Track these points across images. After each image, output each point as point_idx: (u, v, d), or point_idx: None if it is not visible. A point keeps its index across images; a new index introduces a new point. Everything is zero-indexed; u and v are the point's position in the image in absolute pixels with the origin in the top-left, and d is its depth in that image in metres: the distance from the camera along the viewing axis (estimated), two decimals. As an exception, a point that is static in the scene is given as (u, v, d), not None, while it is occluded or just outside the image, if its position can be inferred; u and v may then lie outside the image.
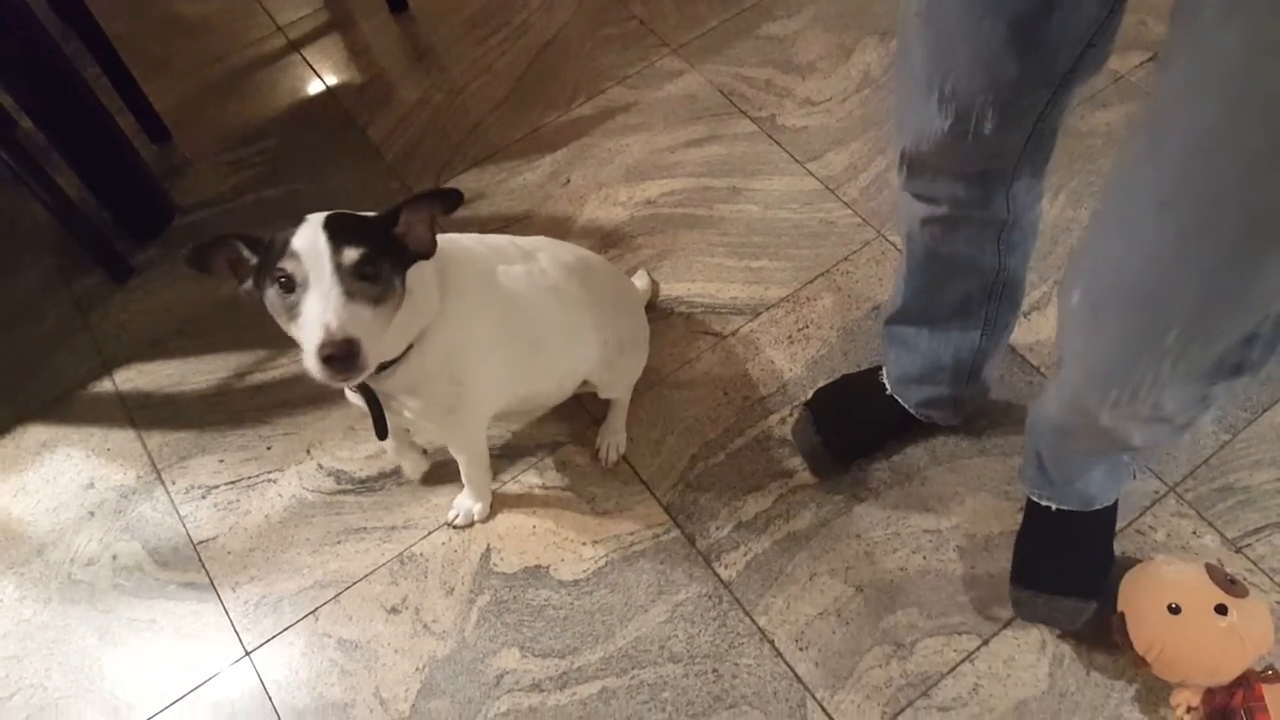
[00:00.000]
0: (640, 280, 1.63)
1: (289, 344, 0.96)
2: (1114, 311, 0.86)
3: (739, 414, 1.51)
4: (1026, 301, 1.35)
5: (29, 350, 1.73)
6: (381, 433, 1.15)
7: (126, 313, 1.75)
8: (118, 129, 1.79)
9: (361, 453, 1.54)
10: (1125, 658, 1.23)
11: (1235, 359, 0.87)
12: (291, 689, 1.34)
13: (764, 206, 1.74)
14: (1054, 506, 1.25)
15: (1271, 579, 1.30)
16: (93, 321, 1.74)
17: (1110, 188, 0.84)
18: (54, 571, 1.48)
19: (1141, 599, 1.20)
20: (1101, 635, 1.24)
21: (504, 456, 1.51)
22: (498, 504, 1.47)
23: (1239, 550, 1.33)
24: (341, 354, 0.89)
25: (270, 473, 1.54)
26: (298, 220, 0.95)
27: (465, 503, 1.44)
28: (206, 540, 1.48)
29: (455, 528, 1.45)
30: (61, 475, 1.58)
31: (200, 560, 1.47)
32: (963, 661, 1.28)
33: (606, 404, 1.49)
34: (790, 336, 1.59)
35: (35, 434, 1.63)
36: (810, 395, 1.46)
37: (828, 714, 1.26)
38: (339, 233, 0.92)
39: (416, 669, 1.34)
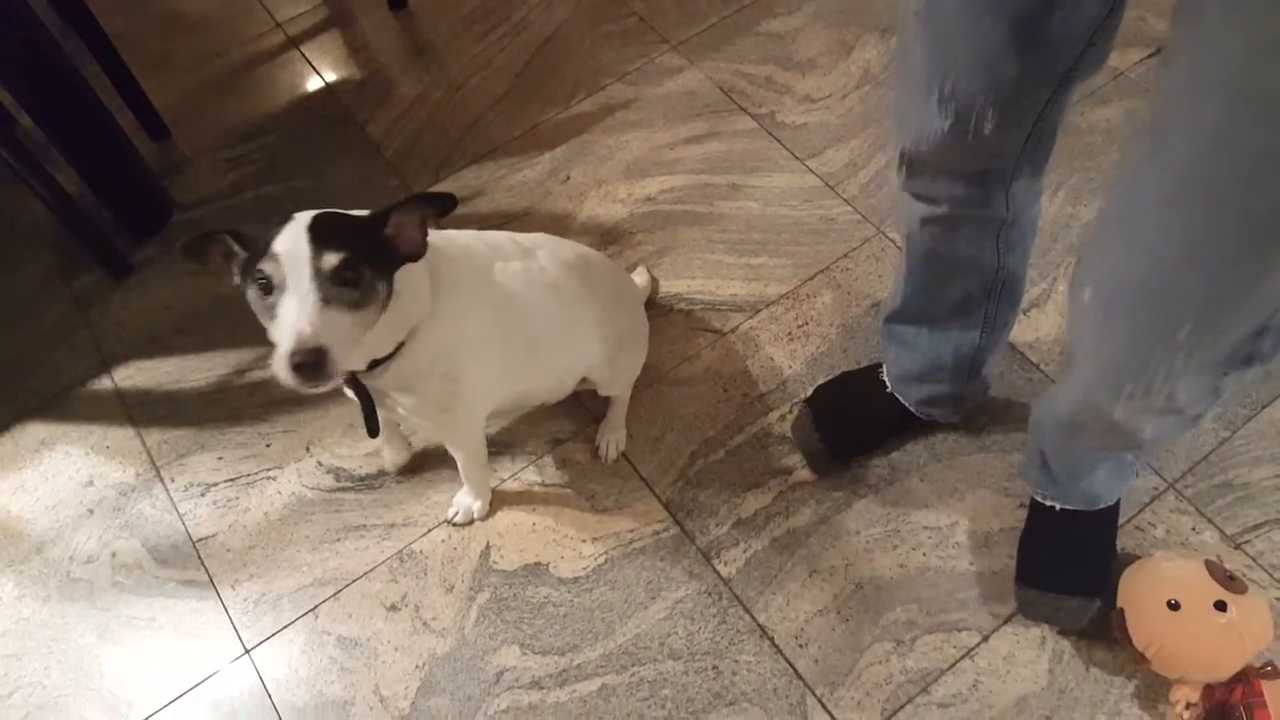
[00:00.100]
0: (640, 277, 1.62)
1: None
2: (1125, 309, 0.86)
3: (738, 411, 1.51)
4: (1026, 299, 1.35)
5: (28, 347, 1.72)
6: (372, 430, 1.14)
7: (126, 310, 1.75)
8: (117, 126, 1.79)
9: (361, 450, 1.54)
10: (1125, 654, 1.24)
11: (1246, 350, 0.87)
12: (291, 687, 1.35)
13: (764, 203, 1.74)
14: (1058, 506, 1.25)
15: (1270, 575, 1.30)
16: (92, 319, 1.74)
17: (1115, 188, 0.84)
18: (53, 569, 1.48)
19: (1141, 595, 1.20)
20: (1101, 631, 1.25)
21: (503, 454, 1.51)
22: (497, 501, 1.47)
23: (1238, 546, 1.33)
24: (311, 362, 0.87)
25: (269, 470, 1.54)
26: (286, 217, 0.93)
27: (465, 500, 1.44)
28: (206, 538, 1.48)
29: (455, 525, 1.45)
30: (60, 473, 1.58)
31: (199, 558, 1.47)
32: (962, 658, 1.28)
33: (606, 401, 1.49)
34: (790, 333, 1.59)
35: (34, 431, 1.63)
36: (810, 392, 1.47)
37: (828, 710, 1.26)
38: (322, 235, 0.90)
39: (416, 666, 1.34)
